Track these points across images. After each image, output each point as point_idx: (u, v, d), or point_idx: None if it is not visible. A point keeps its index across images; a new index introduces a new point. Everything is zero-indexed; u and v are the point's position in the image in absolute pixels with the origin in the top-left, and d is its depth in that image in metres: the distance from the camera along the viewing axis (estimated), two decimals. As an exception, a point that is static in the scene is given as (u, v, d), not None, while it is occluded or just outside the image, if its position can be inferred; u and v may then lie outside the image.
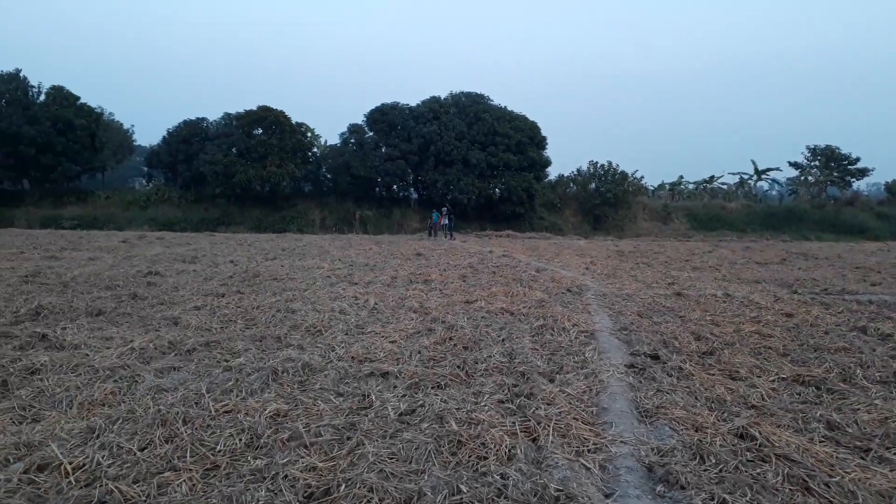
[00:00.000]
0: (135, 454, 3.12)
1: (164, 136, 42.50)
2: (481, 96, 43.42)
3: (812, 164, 48.49)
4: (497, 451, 3.25)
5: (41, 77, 53.67)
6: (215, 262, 13.59)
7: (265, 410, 3.78)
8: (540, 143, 42.22)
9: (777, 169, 53.68)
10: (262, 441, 3.36)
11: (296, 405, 3.97)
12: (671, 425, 3.76)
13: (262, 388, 4.33)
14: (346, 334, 6.23)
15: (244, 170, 37.28)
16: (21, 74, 38.94)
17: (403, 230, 38.08)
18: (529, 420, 3.74)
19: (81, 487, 2.77)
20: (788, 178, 53.87)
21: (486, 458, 3.17)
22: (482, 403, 4.02)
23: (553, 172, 45.57)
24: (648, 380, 4.80)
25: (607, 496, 2.84)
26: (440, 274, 11.78)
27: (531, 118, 42.66)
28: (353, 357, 5.27)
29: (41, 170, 37.42)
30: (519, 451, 3.25)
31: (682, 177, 59.00)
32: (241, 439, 3.36)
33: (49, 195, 38.27)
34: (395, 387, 4.44)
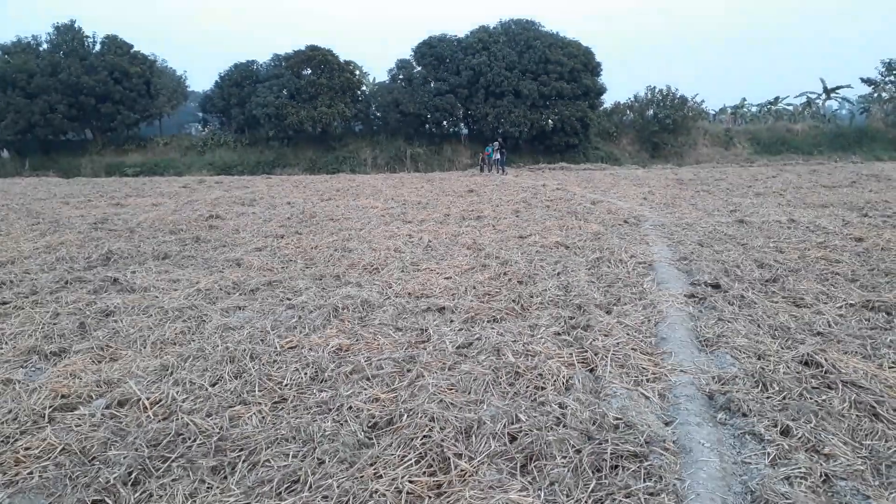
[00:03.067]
0: (206, 389, 3.29)
1: (216, 81, 42.85)
2: (532, 23, 41.93)
3: (887, 79, 45.23)
4: (554, 381, 3.28)
5: (95, 27, 54.36)
6: (273, 203, 13.87)
7: (328, 346, 3.90)
8: (594, 69, 40.74)
9: (848, 86, 50.32)
10: (325, 375, 3.48)
11: (357, 340, 4.08)
12: (732, 354, 3.71)
13: (323, 325, 4.46)
14: (402, 271, 6.31)
15: (295, 111, 37.45)
16: (76, 25, 39.63)
17: (455, 166, 37.89)
18: (587, 351, 3.75)
19: (159, 421, 2.95)
20: (860, 96, 50.49)
21: (543, 389, 3.21)
22: (538, 336, 4.04)
23: (608, 99, 44.01)
24: (709, 309, 4.72)
25: (667, 424, 2.84)
26: (493, 209, 11.72)
27: (585, 43, 41.01)
28: (409, 293, 5.35)
29: (102, 119, 38.47)
30: (576, 382, 3.27)
31: (744, 99, 56.08)
32: (306, 373, 3.49)
33: (111, 143, 39.45)
34: (452, 321, 4.51)
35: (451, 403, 3.02)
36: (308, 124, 38.15)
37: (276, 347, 3.92)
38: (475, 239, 8.15)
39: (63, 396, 3.20)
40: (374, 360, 3.68)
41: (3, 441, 2.75)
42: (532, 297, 5.09)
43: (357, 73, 42.20)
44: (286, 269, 6.61)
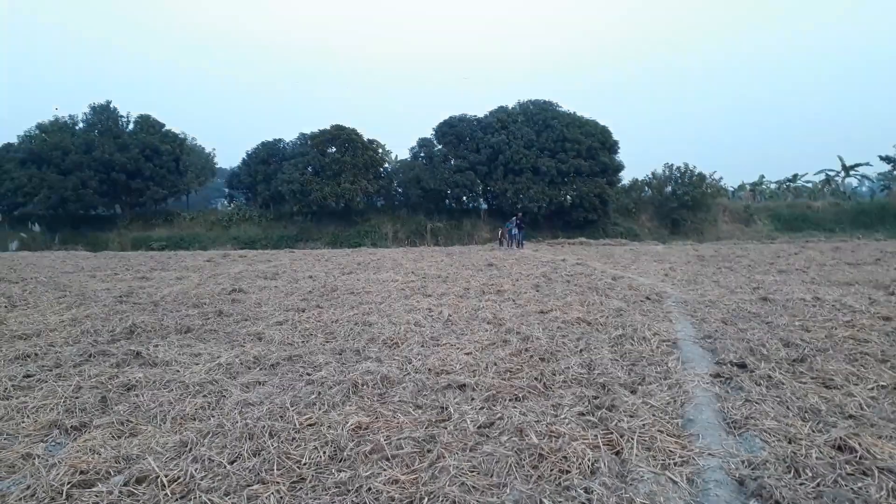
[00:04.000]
0: (225, 467, 3.24)
1: (243, 158, 44.38)
2: (549, 103, 43.16)
3: (905, 157, 45.48)
4: (580, 464, 3.20)
5: (129, 107, 56.83)
6: (295, 277, 14.01)
7: (347, 423, 3.86)
8: (611, 147, 41.55)
9: (867, 164, 50.66)
10: (345, 454, 3.42)
11: (376, 418, 4.03)
12: (762, 437, 3.60)
13: (343, 401, 4.42)
14: (422, 346, 6.28)
15: (320, 187, 38.42)
16: (111, 105, 41.56)
17: (474, 241, 38.18)
18: (612, 433, 3.66)
19: (177, 500, 2.91)
20: (879, 174, 50.71)
21: (568, 472, 3.13)
22: (562, 416, 3.96)
23: (626, 176, 44.61)
24: (736, 389, 4.61)
25: (696, 511, 2.74)
26: (513, 284, 11.73)
27: (602, 122, 41.99)
28: (429, 369, 5.30)
29: (131, 194, 39.74)
30: (602, 465, 3.18)
31: (762, 176, 56.62)
32: (325, 452, 3.44)
33: (139, 218, 40.56)
34: (473, 399, 4.44)
35: (474, 487, 2.95)
36: (331, 200, 39.03)
37: (295, 424, 3.88)
38: (495, 313, 8.12)
39: (82, 472, 3.18)
40: (393, 439, 3.62)
41: (19, 519, 2.72)
42: (555, 374, 5.02)
43: (380, 150, 43.41)
44: (306, 343, 6.61)
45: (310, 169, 40.08)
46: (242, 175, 44.39)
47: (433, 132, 42.71)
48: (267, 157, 42.92)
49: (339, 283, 12.39)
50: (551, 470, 3.17)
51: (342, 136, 40.42)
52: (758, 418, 3.90)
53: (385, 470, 3.19)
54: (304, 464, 3.29)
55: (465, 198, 43.65)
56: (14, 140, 39.94)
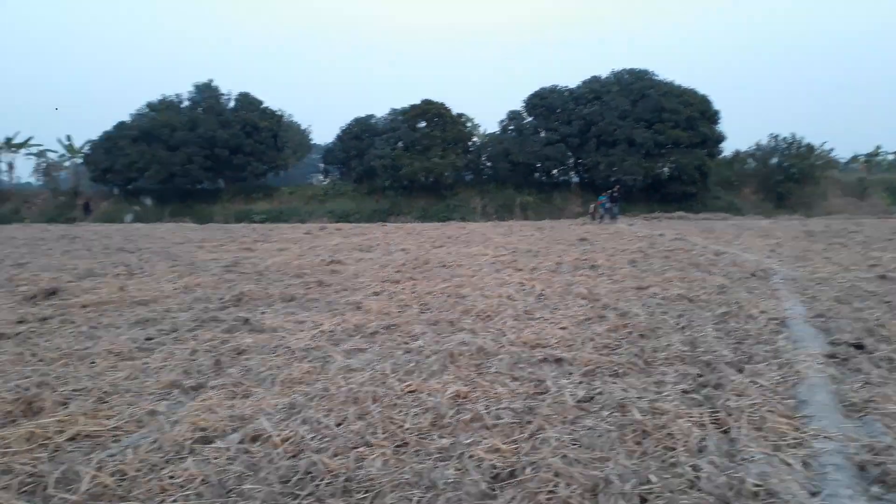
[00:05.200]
0: (332, 429, 3.37)
1: (337, 134, 45.47)
2: (645, 72, 41.55)
3: None
4: (685, 442, 3.11)
5: (230, 84, 59.29)
6: (388, 250, 14.31)
7: (446, 392, 3.92)
8: (712, 117, 39.62)
9: None
10: (445, 421, 3.48)
11: (474, 388, 4.07)
12: (884, 421, 3.38)
13: (441, 370, 4.49)
14: (516, 320, 6.27)
15: (410, 162, 38.87)
16: (213, 84, 43.49)
17: (564, 215, 37.60)
18: (719, 411, 3.53)
19: (289, 458, 3.05)
20: None
21: (674, 449, 3.05)
22: (665, 393, 3.86)
23: (728, 148, 42.45)
24: (853, 371, 4.34)
25: (813, 495, 2.61)
26: (607, 259, 11.48)
27: (701, 91, 40.01)
28: (524, 342, 5.29)
29: (233, 169, 41.66)
30: (710, 444, 3.08)
31: (879, 147, 52.22)
32: (426, 418, 3.51)
33: (241, 192, 42.50)
34: (571, 373, 4.40)
35: (576, 459, 2.92)
36: (421, 174, 39.40)
37: (396, 391, 3.98)
38: (590, 289, 7.98)
39: (201, 429, 3.39)
40: (492, 408, 3.65)
41: (150, 469, 2.93)
42: (655, 351, 4.89)
43: (469, 125, 43.33)
44: (402, 313, 6.74)
45: (400, 144, 40.61)
46: (337, 150, 45.59)
47: (523, 104, 42.15)
48: (360, 133, 43.82)
49: (431, 256, 12.54)
50: (656, 446, 3.10)
51: (431, 111, 40.63)
52: (879, 402, 3.66)
53: (485, 438, 3.22)
54: (407, 429, 3.37)
55: (555, 171, 42.96)
56: (127, 119, 42.63)
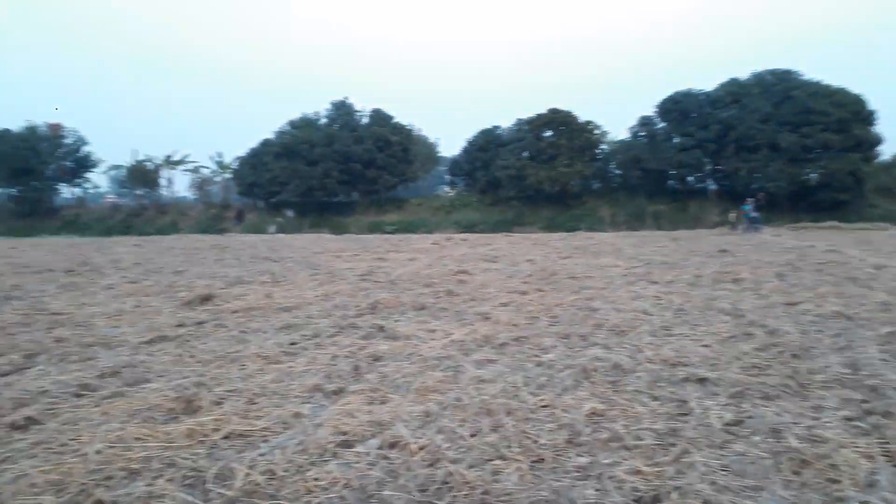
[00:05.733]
0: (466, 440, 3.39)
1: (463, 146, 46.16)
2: (789, 72, 38.71)
3: None
4: (852, 475, 2.82)
5: (363, 101, 61.98)
6: (514, 261, 14.26)
7: (581, 408, 3.82)
8: (867, 118, 36.16)
9: None
10: (581, 438, 3.39)
11: (611, 405, 3.93)
12: None
13: (574, 386, 4.39)
14: (652, 335, 6.01)
15: (535, 172, 38.67)
16: (348, 101, 45.68)
17: (701, 224, 35.73)
18: (889, 442, 3.18)
19: (426, 467, 3.09)
20: None
21: (838, 482, 2.78)
22: (825, 419, 3.53)
23: (887, 151, 38.53)
24: None
25: None
26: (752, 272, 10.76)
27: (855, 90, 36.64)
28: (663, 360, 5.05)
29: (367, 182, 43.45)
30: (882, 478, 2.78)
31: None
32: (561, 435, 3.44)
33: (373, 204, 44.22)
34: (716, 394, 4.14)
35: (726, 487, 2.74)
36: (547, 184, 39.04)
37: (529, 404, 3.94)
38: (734, 303, 7.50)
39: (342, 433, 3.52)
40: (631, 428, 3.51)
41: (296, 470, 3.08)
42: (811, 373, 4.49)
43: (596, 132, 42.43)
44: (531, 325, 6.67)
45: (525, 154, 40.51)
46: (462, 162, 46.27)
47: (655, 109, 40.67)
48: (485, 144, 44.20)
49: (558, 268, 12.35)
50: (816, 478, 2.84)
51: (558, 120, 40.22)
52: None
53: (626, 459, 3.10)
54: (542, 444, 3.32)
55: (690, 178, 41.02)
56: (271, 136, 45.71)
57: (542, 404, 3.96)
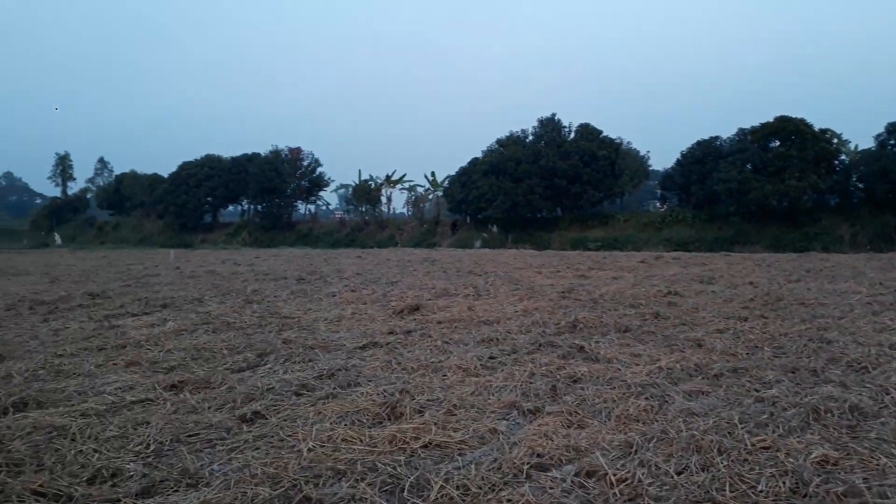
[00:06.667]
0: (672, 477, 3.12)
1: (677, 159, 43.83)
2: None
3: None
4: None
5: (571, 117, 61.60)
6: (733, 283, 13.13)
7: (810, 454, 3.34)
8: None
9: None
10: (810, 489, 2.95)
11: (847, 453, 3.40)
12: None
13: (801, 427, 3.87)
14: (903, 375, 5.12)
15: (760, 186, 35.42)
16: (556, 118, 45.73)
17: (971, 247, 30.13)
18: None
19: (625, 502, 2.90)
20: None
21: None
22: None
23: None
24: None
25: None
26: None
27: None
28: (917, 405, 4.27)
29: (571, 198, 43.07)
30: None
31: None
32: (784, 482, 3.02)
33: (577, 220, 43.62)
34: None
35: None
36: (773, 199, 35.60)
37: (746, 444, 3.53)
38: None
39: (538, 455, 3.44)
40: (874, 484, 2.99)
41: (489, 488, 3.06)
42: None
43: (835, 141, 37.82)
44: (751, 356, 6.05)
45: (749, 166, 37.26)
46: (676, 176, 43.90)
47: (910, 114, 35.27)
48: (702, 157, 41.50)
49: (786, 292, 11.13)
50: None
51: (787, 129, 36.44)
52: None
53: (868, 521, 2.64)
54: (761, 491, 2.95)
55: (955, 193, 34.82)
56: (479, 155, 47.29)
57: (762, 445, 3.53)
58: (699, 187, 40.50)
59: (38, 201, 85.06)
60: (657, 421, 4.04)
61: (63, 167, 68.84)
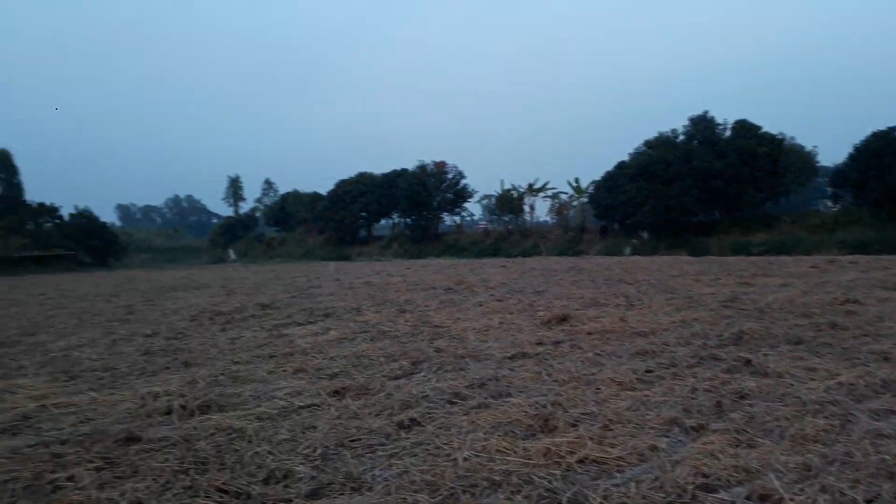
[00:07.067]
0: (859, 505, 2.82)
1: (850, 153, 39.75)
2: None
3: None
4: None
5: (727, 114, 57.90)
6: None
7: None
8: None
9: None
10: None
11: None
12: None
13: None
14: None
15: (954, 179, 31.21)
16: (709, 115, 43.22)
17: None
18: None
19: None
20: None
21: None
22: None
23: None
24: None
25: None
26: None
27: None
28: None
29: (729, 199, 40.48)
30: None
31: None
32: None
33: (737, 223, 40.89)
34: None
35: None
36: (973, 193, 31.25)
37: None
38: None
39: (703, 475, 3.25)
40: None
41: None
42: None
43: None
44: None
45: (941, 157, 33.00)
46: (849, 171, 39.77)
47: None
48: (879, 149, 37.29)
49: None
50: None
51: None
52: None
53: None
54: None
55: None
56: (626, 158, 45.77)
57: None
58: (877, 183, 36.39)
59: (214, 220, 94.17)
60: (839, 442, 3.67)
61: (234, 189, 76.31)
